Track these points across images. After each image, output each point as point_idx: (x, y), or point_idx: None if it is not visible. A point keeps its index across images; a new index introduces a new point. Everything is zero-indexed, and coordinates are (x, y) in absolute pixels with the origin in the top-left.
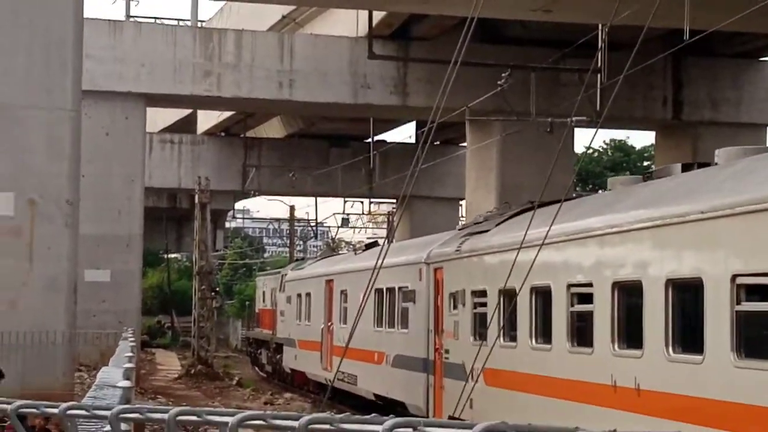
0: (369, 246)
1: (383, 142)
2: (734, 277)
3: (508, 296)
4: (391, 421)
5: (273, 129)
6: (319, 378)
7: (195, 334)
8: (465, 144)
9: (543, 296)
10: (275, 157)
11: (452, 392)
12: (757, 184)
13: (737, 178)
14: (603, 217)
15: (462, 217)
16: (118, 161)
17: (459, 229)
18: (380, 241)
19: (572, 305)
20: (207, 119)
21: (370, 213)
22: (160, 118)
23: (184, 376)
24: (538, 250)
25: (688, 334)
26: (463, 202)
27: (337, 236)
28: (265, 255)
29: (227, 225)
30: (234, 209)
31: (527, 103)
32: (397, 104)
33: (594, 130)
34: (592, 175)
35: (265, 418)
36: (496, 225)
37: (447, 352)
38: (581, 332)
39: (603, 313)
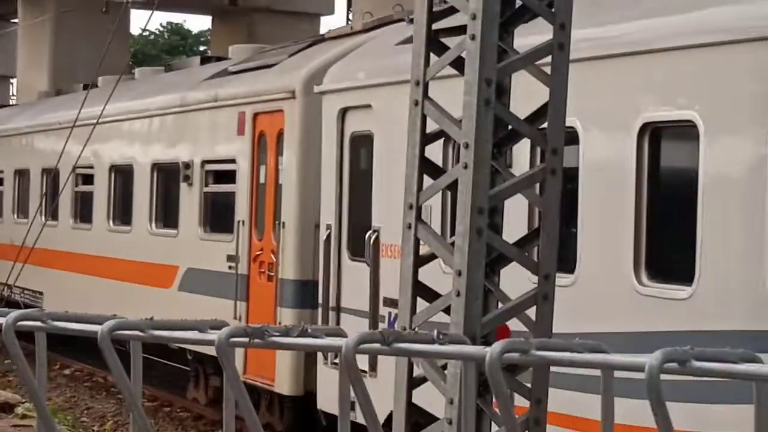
0: None
1: None
2: (113, 167)
3: None
4: (15, 313)
5: None
6: None
7: None
8: (17, 20)
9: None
10: None
11: None
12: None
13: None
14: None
15: (12, 95)
16: None
17: None
18: None
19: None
20: None
21: None
22: None
23: None
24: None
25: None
26: (14, 80)
27: None
28: None
29: None
30: None
31: None
32: None
33: (150, 12)
34: (149, 58)
35: None
36: None
37: None
38: (22, 207)
39: (15, 194)
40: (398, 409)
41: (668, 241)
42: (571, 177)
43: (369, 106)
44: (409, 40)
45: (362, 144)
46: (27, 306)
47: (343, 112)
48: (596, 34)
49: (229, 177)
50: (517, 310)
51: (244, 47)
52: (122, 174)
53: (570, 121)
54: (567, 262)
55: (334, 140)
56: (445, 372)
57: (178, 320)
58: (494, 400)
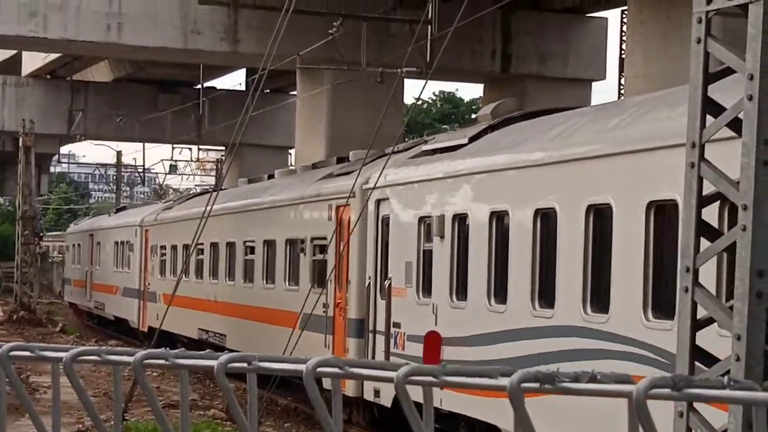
0: (119, 210)
1: (213, 88)
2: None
3: (175, 249)
4: (226, 356)
5: (100, 73)
6: (84, 307)
7: (18, 279)
8: (295, 92)
9: (185, 251)
10: (102, 101)
11: (151, 310)
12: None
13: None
14: (223, 205)
15: (291, 165)
16: None
17: (163, 203)
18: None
19: (197, 255)
20: (32, 61)
21: (198, 160)
22: None
23: (6, 322)
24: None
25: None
26: (292, 151)
27: (165, 183)
28: (91, 201)
29: (52, 169)
30: (59, 153)
31: (358, 52)
32: (227, 51)
33: (424, 81)
34: (421, 126)
35: (99, 354)
36: (178, 204)
37: (149, 284)
38: (198, 270)
39: (210, 261)
40: None
41: None
42: None
43: (387, 198)
44: (417, 155)
45: (386, 223)
46: (214, 345)
47: (378, 202)
48: None
49: (324, 250)
50: None
51: (360, 152)
52: (269, 246)
53: None
54: None
55: (373, 221)
56: None
57: (469, 367)
58: None
